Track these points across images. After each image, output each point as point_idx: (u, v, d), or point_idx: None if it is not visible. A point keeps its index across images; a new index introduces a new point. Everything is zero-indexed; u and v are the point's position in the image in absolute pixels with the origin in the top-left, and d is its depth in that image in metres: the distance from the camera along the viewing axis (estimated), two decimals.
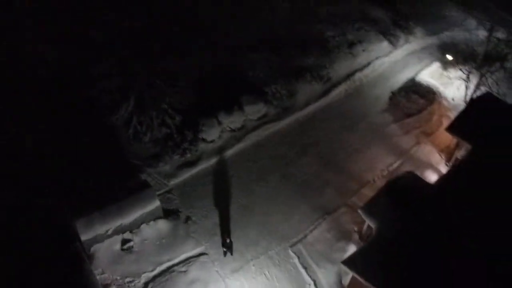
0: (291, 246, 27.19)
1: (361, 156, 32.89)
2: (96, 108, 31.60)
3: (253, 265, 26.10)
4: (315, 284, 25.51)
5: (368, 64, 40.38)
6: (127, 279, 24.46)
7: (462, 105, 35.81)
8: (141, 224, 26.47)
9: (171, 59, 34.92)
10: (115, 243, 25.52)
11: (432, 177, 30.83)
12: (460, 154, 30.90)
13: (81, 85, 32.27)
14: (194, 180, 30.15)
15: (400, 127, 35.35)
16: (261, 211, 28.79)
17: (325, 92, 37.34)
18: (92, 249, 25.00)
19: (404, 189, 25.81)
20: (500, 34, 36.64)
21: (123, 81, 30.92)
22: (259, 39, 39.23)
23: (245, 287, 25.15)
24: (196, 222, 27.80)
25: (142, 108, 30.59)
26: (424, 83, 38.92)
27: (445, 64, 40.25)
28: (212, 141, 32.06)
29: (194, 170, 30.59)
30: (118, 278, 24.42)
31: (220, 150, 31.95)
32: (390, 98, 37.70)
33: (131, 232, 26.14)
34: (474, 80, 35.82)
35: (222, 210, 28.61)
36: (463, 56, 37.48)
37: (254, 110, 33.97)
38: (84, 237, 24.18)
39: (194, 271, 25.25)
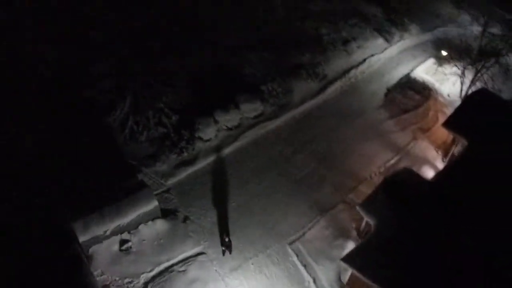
0: (289, 244, 27.22)
1: (358, 152, 32.94)
2: (92, 108, 31.46)
3: (252, 264, 26.11)
4: (314, 282, 25.55)
5: (363, 61, 40.41)
6: (126, 280, 24.43)
7: (457, 101, 36.02)
8: (139, 224, 26.40)
9: (167, 58, 34.78)
10: (113, 244, 25.47)
11: (429, 173, 30.95)
12: (456, 149, 31.03)
13: (77, 85, 32.07)
14: (191, 179, 30.11)
15: (396, 123, 35.42)
16: (259, 209, 28.79)
17: (321, 90, 37.36)
18: (90, 250, 24.94)
19: (402, 185, 25.83)
20: (495, 30, 36.73)
21: (119, 81, 30.83)
22: (255, 37, 39.19)
23: (245, 286, 25.17)
24: (194, 222, 27.77)
25: (138, 108, 30.52)
26: (420, 79, 39.02)
27: (440, 60, 40.35)
28: (208, 140, 32.02)
29: (191, 169, 30.54)
30: (117, 279, 24.39)
31: (217, 148, 31.91)
32: (386, 95, 37.78)
33: (129, 232, 26.07)
34: (469, 75, 35.97)
35: (220, 209, 28.59)
36: (458, 52, 37.49)
37: (250, 109, 33.95)
38: (82, 239, 24.06)
39: (193, 271, 25.22)
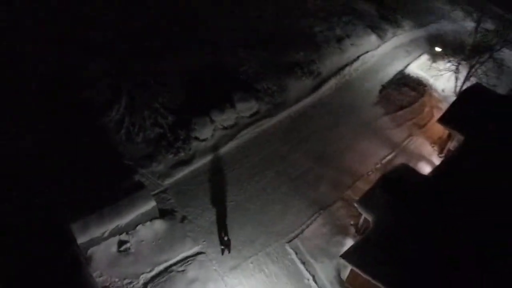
0: (288, 242, 27.22)
1: (354, 149, 33.01)
2: (88, 109, 31.30)
3: (251, 263, 26.09)
4: (313, 279, 25.56)
5: (357, 58, 40.54)
6: (126, 281, 24.32)
7: (452, 97, 36.17)
8: (137, 225, 26.28)
9: (162, 58, 34.69)
10: (111, 245, 25.34)
11: (425, 169, 31.04)
12: (452, 145, 31.15)
13: (73, 86, 31.97)
14: (188, 179, 30.01)
15: (392, 119, 35.54)
16: (257, 208, 28.77)
17: (316, 87, 37.42)
18: (89, 251, 24.78)
19: (399, 181, 25.89)
20: (488, 25, 36.83)
21: (115, 82, 30.72)
22: (249, 35, 39.13)
23: (244, 285, 25.14)
24: (192, 221, 27.70)
25: (134, 108, 30.44)
26: (414, 75, 39.16)
27: (434, 56, 40.48)
28: (205, 140, 31.93)
29: (188, 169, 30.45)
30: (117, 280, 24.27)
31: (214, 148, 31.85)
32: (381, 91, 37.89)
33: (127, 233, 25.96)
34: (463, 71, 36.12)
35: (218, 208, 28.54)
36: (452, 48, 37.62)
37: (246, 107, 33.91)
38: (80, 240, 23.95)
39: (192, 271, 25.17)
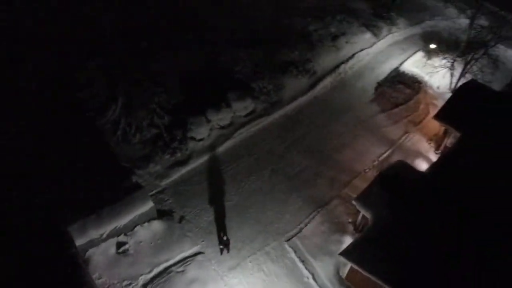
0: (287, 241, 27.21)
1: (351, 147, 33.06)
2: (84, 110, 31.16)
3: (250, 262, 26.05)
4: (313, 277, 25.55)
5: (352, 56, 40.60)
6: (125, 283, 24.20)
7: (447, 93, 36.28)
8: (136, 226, 26.19)
9: (158, 58, 34.59)
10: (110, 246, 25.21)
11: (422, 166, 31.12)
12: (449, 141, 31.23)
13: (69, 87, 31.86)
14: (185, 179, 29.96)
15: (388, 117, 35.62)
16: (255, 207, 28.76)
17: (312, 86, 37.45)
18: (87, 254, 24.65)
19: (397, 178, 25.94)
20: (482, 21, 36.98)
21: (110, 83, 30.57)
22: (244, 35, 39.14)
23: (244, 284, 25.09)
24: (191, 221, 27.64)
25: (130, 109, 30.32)
26: (409, 72, 39.26)
27: (429, 53, 40.61)
28: (201, 140, 31.88)
29: (185, 169, 30.39)
30: (116, 282, 24.15)
31: (210, 148, 31.80)
32: (376, 89, 37.97)
33: (125, 234, 25.86)
34: (458, 68, 36.23)
35: (216, 208, 28.49)
36: (447, 45, 37.80)
37: (242, 107, 33.87)
38: (79, 242, 23.81)
39: (191, 271, 25.09)
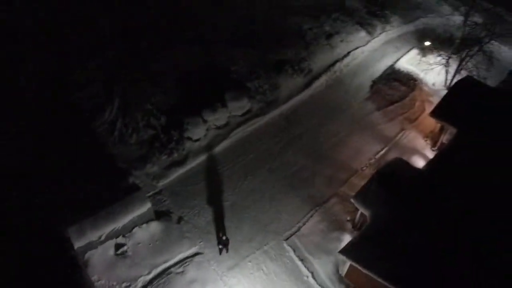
0: (285, 240, 27.21)
1: (348, 145, 33.07)
2: (80, 112, 31.04)
3: (249, 261, 26.04)
4: (312, 276, 25.56)
5: (347, 54, 40.61)
6: (124, 284, 24.12)
7: (443, 90, 36.33)
8: (134, 227, 26.10)
9: (154, 59, 34.51)
10: (108, 248, 25.11)
11: (419, 162, 31.10)
12: (445, 138, 31.28)
13: (64, 90, 31.72)
14: (183, 179, 29.92)
15: (384, 114, 35.64)
16: (253, 206, 28.73)
17: (307, 84, 37.44)
18: (86, 256, 24.52)
19: (394, 175, 25.97)
20: (476, 18, 37.06)
21: (106, 84, 30.46)
22: (238, 34, 39.15)
23: (243, 284, 25.08)
24: (189, 222, 27.59)
25: (126, 110, 30.23)
26: (404, 70, 39.29)
27: (424, 51, 40.69)
28: (198, 140, 31.85)
29: (182, 170, 30.34)
30: (115, 284, 24.05)
31: (207, 148, 31.75)
32: (371, 87, 37.98)
33: (124, 236, 25.76)
34: (453, 64, 36.31)
35: (214, 208, 28.45)
36: (441, 42, 37.88)
37: (238, 106, 33.83)
38: (77, 245, 23.71)
39: (191, 271, 25.06)
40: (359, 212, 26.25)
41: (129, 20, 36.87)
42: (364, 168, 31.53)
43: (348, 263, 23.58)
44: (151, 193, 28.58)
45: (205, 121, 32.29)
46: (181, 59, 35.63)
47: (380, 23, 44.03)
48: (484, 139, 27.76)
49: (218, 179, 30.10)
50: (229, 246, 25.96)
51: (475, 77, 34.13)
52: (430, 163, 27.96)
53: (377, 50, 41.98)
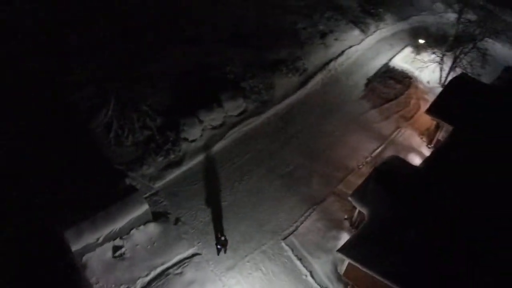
0: (283, 239, 27.16)
1: (344, 144, 33.12)
2: (75, 114, 30.86)
3: (248, 261, 25.96)
4: (311, 275, 25.55)
5: (342, 52, 40.76)
6: (122, 287, 23.94)
7: (438, 88, 36.54)
8: (131, 229, 25.94)
9: (148, 60, 34.42)
10: (106, 251, 24.93)
11: (415, 160, 31.20)
12: (441, 135, 31.39)
13: (60, 92, 31.55)
14: (179, 180, 29.77)
15: (379, 112, 35.76)
16: (250, 206, 28.66)
17: (302, 84, 37.50)
18: (84, 258, 24.33)
19: (391, 173, 26.04)
20: (470, 16, 37.24)
21: (102, 86, 30.32)
22: (232, 34, 39.09)
23: (242, 284, 24.99)
24: (186, 223, 27.46)
25: (122, 111, 30.08)
26: (399, 68, 39.49)
27: (418, 48, 40.83)
28: (194, 140, 31.72)
29: (179, 171, 30.20)
30: (113, 286, 23.88)
31: (203, 148, 31.64)
32: (366, 85, 38.10)
33: (121, 238, 25.58)
34: (448, 62, 36.47)
35: (211, 208, 28.35)
36: (435, 39, 38.06)
37: (233, 106, 33.78)
38: (75, 248, 23.50)
39: (189, 272, 24.94)
40: (356, 210, 26.29)
41: (125, 20, 36.76)
42: (361, 166, 31.59)
43: (347, 261, 23.59)
44: (147, 195, 28.37)
45: (201, 122, 32.19)
46: (176, 60, 35.53)
47: (374, 22, 44.24)
48: (479, 136, 27.89)
49: (215, 180, 30.01)
50: (227, 246, 25.86)
51: (469, 74, 34.30)
52: (427, 161, 28.06)
53: (371, 49, 42.19)
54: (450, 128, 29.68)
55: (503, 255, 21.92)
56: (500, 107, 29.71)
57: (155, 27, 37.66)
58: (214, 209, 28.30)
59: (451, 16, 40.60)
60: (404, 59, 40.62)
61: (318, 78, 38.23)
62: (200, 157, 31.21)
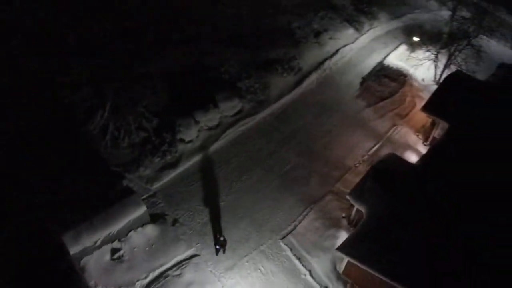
0: (282, 239, 27.16)
1: (340, 142, 33.15)
2: (72, 116, 30.70)
3: (247, 262, 25.94)
4: (310, 274, 25.58)
5: (336, 51, 40.74)
6: None
7: (433, 85, 36.61)
8: (129, 231, 25.83)
9: (143, 61, 34.31)
10: (105, 253, 24.80)
11: (411, 158, 31.25)
12: (437, 133, 31.45)
13: (57, 93, 31.36)
14: (177, 181, 29.68)
15: (375, 111, 35.80)
16: (248, 206, 28.62)
17: (297, 83, 37.45)
18: (82, 262, 24.19)
19: (389, 171, 26.05)
20: (464, 13, 37.34)
21: (97, 87, 30.20)
22: (227, 34, 39.03)
23: (241, 284, 24.98)
24: (184, 224, 27.39)
25: (118, 113, 29.96)
26: (393, 66, 39.51)
27: (412, 46, 40.91)
28: (190, 141, 31.64)
29: (175, 172, 30.10)
30: None
31: (200, 149, 31.57)
32: (361, 84, 38.11)
33: (119, 240, 25.46)
34: (442, 59, 36.55)
35: (209, 209, 28.30)
36: (429, 37, 38.16)
37: (229, 107, 33.71)
38: (73, 251, 23.43)
39: (188, 274, 24.87)
40: (354, 209, 26.30)
41: (122, 21, 36.69)
42: (358, 164, 31.63)
43: (346, 259, 23.57)
44: (145, 196, 28.25)
45: (197, 122, 32.11)
46: (172, 60, 35.43)
47: (368, 20, 44.28)
48: (475, 132, 27.95)
49: (212, 180, 29.94)
50: (226, 247, 25.83)
51: (464, 71, 34.38)
52: (424, 158, 28.09)
53: (366, 47, 42.21)
54: (445, 125, 29.69)
55: (499, 253, 21.94)
56: (495, 104, 29.78)
57: (150, 28, 37.53)
58: (212, 210, 28.23)
59: (445, 14, 40.64)
60: (398, 57, 40.67)
61: (313, 77, 38.20)
62: (196, 158, 31.12)
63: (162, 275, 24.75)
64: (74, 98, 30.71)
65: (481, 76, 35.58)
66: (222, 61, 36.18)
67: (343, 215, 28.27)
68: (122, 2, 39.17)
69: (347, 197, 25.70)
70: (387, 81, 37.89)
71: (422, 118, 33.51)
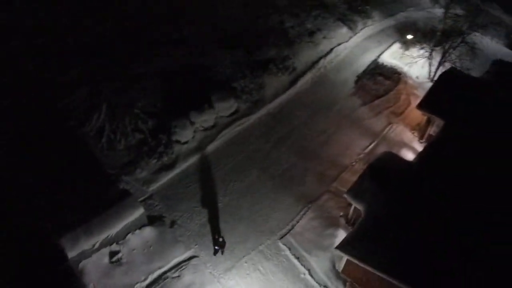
0: (280, 239, 27.14)
1: (336, 141, 33.19)
2: (67, 119, 30.53)
3: (246, 262, 25.90)
4: (309, 273, 25.58)
5: (330, 50, 40.85)
6: None
7: (427, 83, 36.71)
8: (127, 234, 25.75)
9: (138, 62, 34.18)
10: (103, 256, 24.70)
11: (407, 155, 31.33)
12: (433, 130, 31.54)
13: (50, 96, 31.20)
14: (173, 183, 29.59)
15: (370, 109, 35.87)
16: (246, 207, 28.59)
17: (292, 82, 37.49)
18: (80, 265, 24.07)
19: (385, 169, 26.10)
20: (457, 10, 37.47)
21: (92, 90, 30.05)
22: (221, 34, 38.95)
23: (241, 285, 24.94)
24: (182, 226, 27.31)
25: (114, 115, 29.83)
26: (388, 64, 39.60)
27: (406, 44, 41.01)
28: (186, 142, 31.56)
29: (172, 173, 30.01)
30: None
31: (196, 150, 31.50)
32: (356, 82, 38.16)
33: (117, 243, 25.36)
34: (437, 57, 36.66)
35: (207, 210, 28.23)
36: (423, 35, 38.24)
37: (224, 107, 33.65)
38: (71, 255, 23.33)
39: (187, 275, 24.81)
40: (352, 207, 26.33)
41: (120, 22, 36.64)
42: (354, 163, 31.66)
43: (345, 258, 23.56)
44: (142, 198, 28.16)
45: (192, 123, 32.03)
46: (166, 61, 35.33)
47: (361, 19, 44.42)
48: (470, 129, 28.03)
49: (209, 181, 29.88)
50: (225, 248, 25.77)
51: (459, 68, 34.50)
52: (420, 156, 28.16)
53: (360, 46, 42.35)
54: (441, 122, 29.77)
55: (495, 250, 22.00)
56: (490, 101, 29.90)
57: (145, 30, 37.42)
58: (210, 211, 28.18)
59: (438, 11, 40.85)
60: (392, 55, 40.79)
61: (308, 76, 38.25)
62: (193, 159, 31.05)
63: (161, 277, 24.67)
64: (72, 99, 30.50)
65: (475, 73, 35.75)
66: (216, 61, 36.15)
67: (341, 213, 28.29)
68: (122, 3, 39.14)
69: (345, 195, 25.70)
70: (382, 79, 37.96)
71: (418, 115, 33.60)
